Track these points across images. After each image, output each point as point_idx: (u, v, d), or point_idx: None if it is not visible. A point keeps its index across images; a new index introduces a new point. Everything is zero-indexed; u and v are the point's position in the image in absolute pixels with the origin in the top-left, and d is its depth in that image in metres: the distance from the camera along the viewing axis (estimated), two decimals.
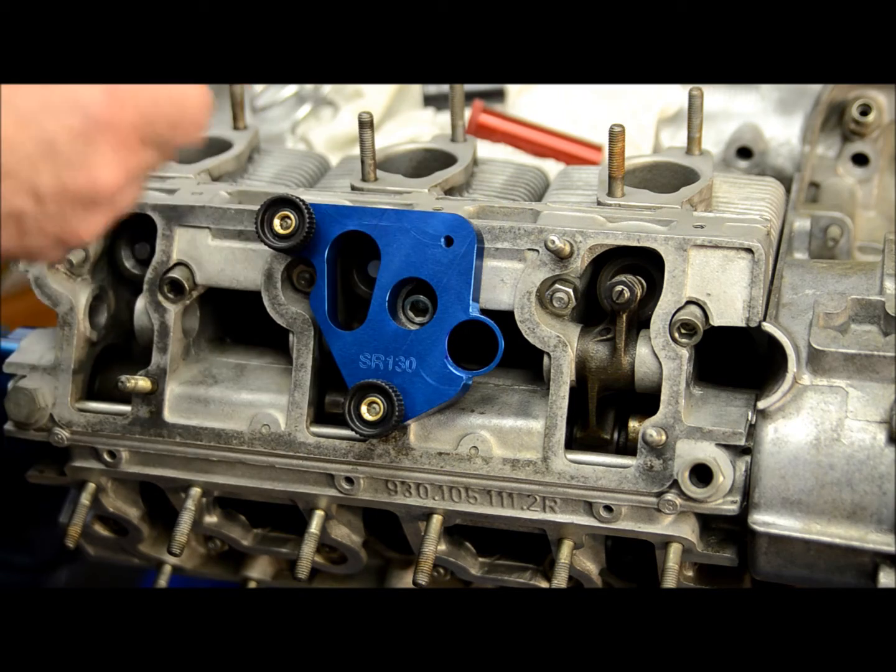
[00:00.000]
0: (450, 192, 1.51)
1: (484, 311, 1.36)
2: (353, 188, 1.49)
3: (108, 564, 1.74)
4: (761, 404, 1.33)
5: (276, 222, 1.36)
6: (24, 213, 1.06)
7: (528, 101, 1.85)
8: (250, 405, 1.46)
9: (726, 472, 1.32)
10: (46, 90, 1.05)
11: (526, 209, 1.42)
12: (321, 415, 1.46)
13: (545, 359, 1.37)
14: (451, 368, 1.35)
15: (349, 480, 1.43)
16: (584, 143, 1.77)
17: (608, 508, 1.37)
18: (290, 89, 1.93)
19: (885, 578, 1.29)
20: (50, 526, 1.67)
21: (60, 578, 2.17)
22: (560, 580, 1.40)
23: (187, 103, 1.12)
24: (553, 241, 1.33)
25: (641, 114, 1.82)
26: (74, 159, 1.06)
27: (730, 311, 1.33)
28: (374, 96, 1.88)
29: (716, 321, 1.33)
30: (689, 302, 1.33)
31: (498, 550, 1.55)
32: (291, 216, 1.35)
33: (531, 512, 1.40)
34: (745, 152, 1.81)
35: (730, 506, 1.34)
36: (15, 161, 1.03)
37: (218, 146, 1.62)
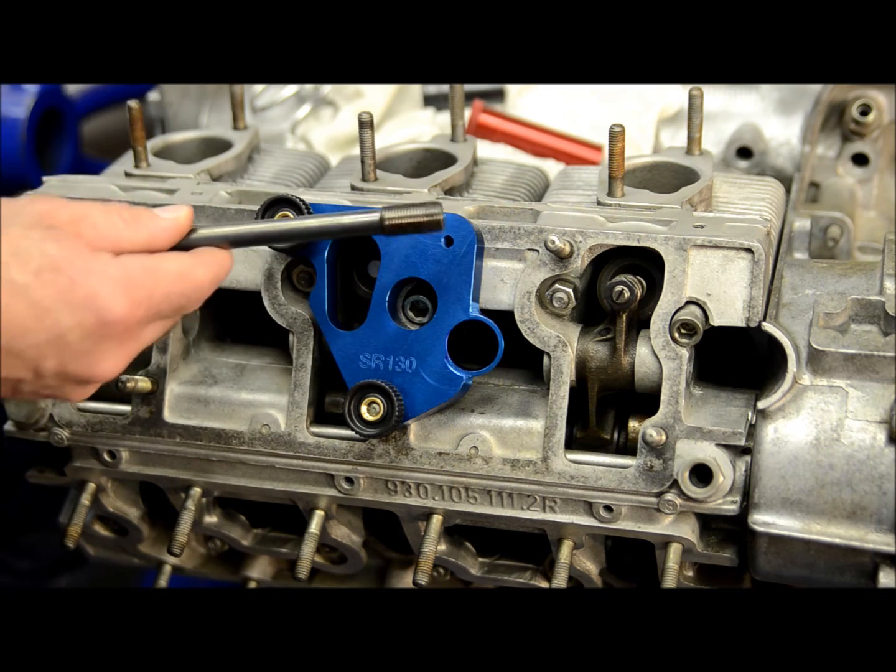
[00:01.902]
0: (450, 192, 1.51)
1: (484, 311, 1.36)
2: (353, 188, 1.48)
3: (109, 569, 1.74)
4: (761, 404, 1.33)
5: None
6: (22, 381, 1.12)
7: (528, 101, 1.85)
8: (250, 405, 1.46)
9: (726, 472, 1.32)
10: (70, 285, 1.08)
11: (526, 209, 1.42)
12: (321, 415, 1.46)
13: (545, 359, 1.37)
14: (451, 368, 1.35)
15: (349, 480, 1.43)
16: (584, 143, 1.77)
17: (608, 508, 1.37)
18: (290, 89, 1.93)
19: (885, 578, 1.29)
20: (49, 532, 1.67)
21: (61, 584, 2.17)
22: (560, 580, 1.40)
23: (196, 288, 1.19)
24: (553, 241, 1.33)
25: (641, 114, 1.82)
26: (81, 352, 1.11)
27: (730, 311, 1.33)
28: (374, 96, 1.88)
29: (716, 321, 1.33)
30: (689, 302, 1.33)
31: (498, 550, 1.55)
32: (291, 216, 1.35)
33: (531, 512, 1.40)
34: (745, 152, 1.81)
35: (730, 506, 1.34)
36: (25, 346, 1.08)
37: (218, 146, 1.62)
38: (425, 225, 1.21)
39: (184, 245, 1.22)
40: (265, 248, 1.39)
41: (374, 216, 1.22)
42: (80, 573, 2.10)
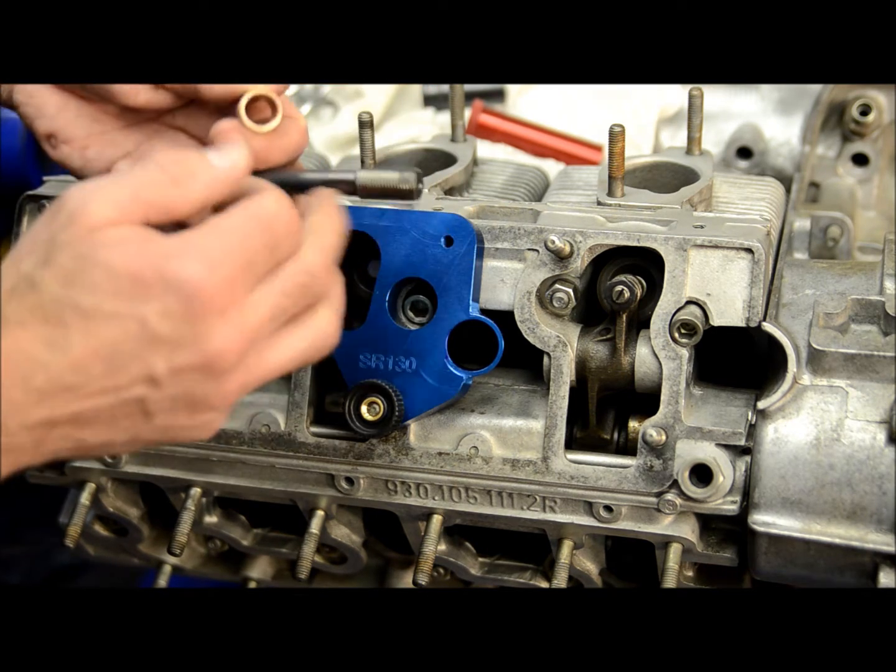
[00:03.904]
0: (450, 192, 1.51)
1: (484, 311, 1.36)
2: None
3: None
4: (761, 404, 1.33)
5: None
6: (146, 400, 1.00)
7: (528, 101, 1.85)
8: (250, 405, 1.46)
9: (726, 472, 1.32)
10: (135, 275, 0.96)
11: (526, 209, 1.42)
12: (321, 415, 1.46)
13: (545, 359, 1.37)
14: (451, 368, 1.35)
15: (349, 480, 1.43)
16: (584, 143, 1.77)
17: (608, 508, 1.37)
18: (291, 89, 1.93)
19: (885, 578, 1.29)
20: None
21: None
22: (560, 580, 1.40)
23: (275, 221, 1.03)
24: (553, 241, 1.33)
25: (641, 114, 1.83)
26: (182, 340, 0.98)
27: (730, 311, 1.33)
28: (374, 96, 1.88)
29: (716, 321, 1.33)
30: (689, 302, 1.33)
31: (498, 550, 1.55)
32: None
33: (531, 512, 1.40)
34: (745, 152, 1.81)
35: (730, 506, 1.34)
36: (126, 358, 0.97)
37: None
38: (398, 192, 1.17)
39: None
40: None
41: (350, 175, 1.17)
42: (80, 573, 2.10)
